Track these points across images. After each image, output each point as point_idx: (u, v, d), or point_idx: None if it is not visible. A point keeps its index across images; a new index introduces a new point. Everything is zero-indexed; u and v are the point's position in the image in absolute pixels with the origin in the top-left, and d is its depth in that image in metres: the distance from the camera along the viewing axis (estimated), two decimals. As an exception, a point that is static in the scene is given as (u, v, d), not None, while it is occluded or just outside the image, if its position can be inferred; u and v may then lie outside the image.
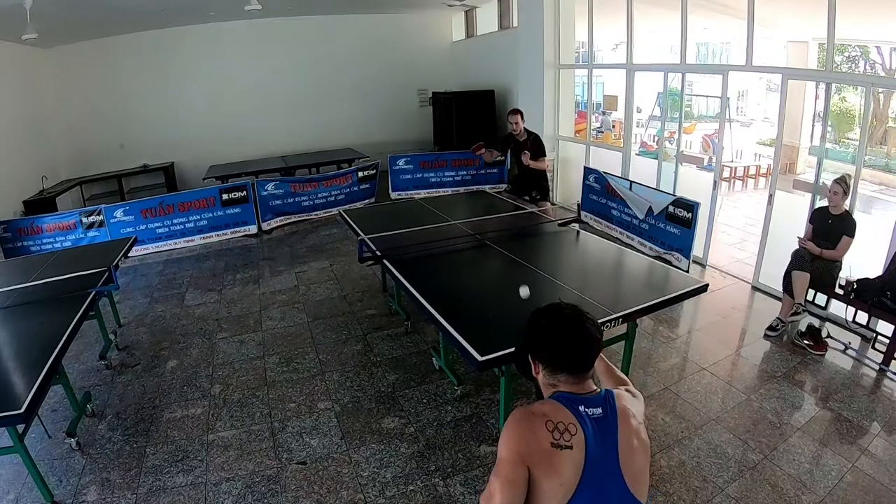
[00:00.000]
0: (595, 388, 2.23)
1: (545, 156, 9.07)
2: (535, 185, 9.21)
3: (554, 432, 2.05)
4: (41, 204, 12.24)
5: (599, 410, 2.14)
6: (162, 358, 7.02)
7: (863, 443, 4.95)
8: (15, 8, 9.03)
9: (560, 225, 7.41)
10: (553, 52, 12.04)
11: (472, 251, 6.67)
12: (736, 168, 16.28)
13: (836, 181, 6.59)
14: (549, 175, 10.08)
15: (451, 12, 17.02)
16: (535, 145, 8.98)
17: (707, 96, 20.46)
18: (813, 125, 15.27)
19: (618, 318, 4.62)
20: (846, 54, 15.28)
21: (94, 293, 6.13)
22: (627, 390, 2.46)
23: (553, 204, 10.56)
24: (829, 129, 11.57)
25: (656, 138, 17.78)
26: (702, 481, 4.52)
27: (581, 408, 2.12)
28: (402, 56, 17.76)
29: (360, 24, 16.95)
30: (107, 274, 6.55)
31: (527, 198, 9.18)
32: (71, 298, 5.97)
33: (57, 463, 5.13)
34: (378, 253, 6.43)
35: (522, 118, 9.06)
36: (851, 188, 6.71)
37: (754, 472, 4.61)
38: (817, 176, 7.60)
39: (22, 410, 3.95)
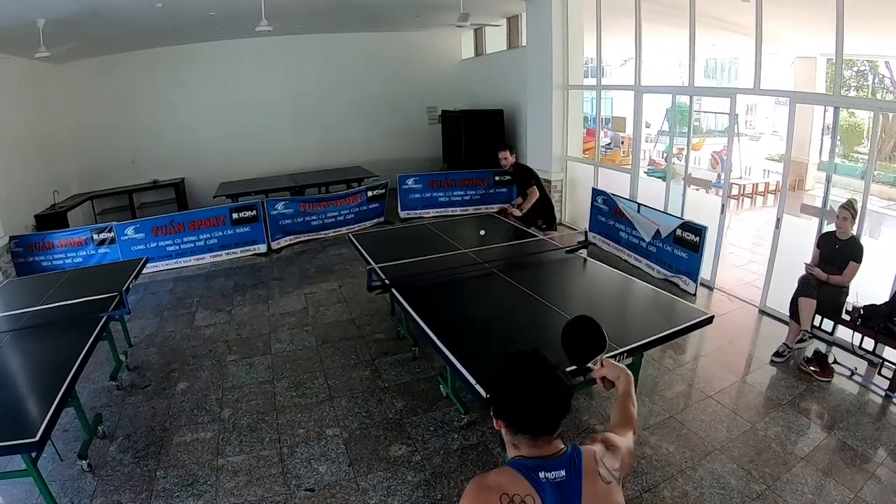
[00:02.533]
0: (560, 447, 2.11)
1: (531, 185, 9.21)
2: (541, 214, 9.30)
3: None
4: (53, 218, 12.34)
5: (563, 473, 2.04)
6: (172, 379, 7.07)
7: (867, 471, 4.95)
8: (28, 27, 9.13)
9: (567, 251, 7.44)
10: (561, 71, 12.07)
11: (479, 280, 6.71)
12: (744, 186, 16.24)
13: (843, 206, 6.58)
14: (556, 193, 10.16)
15: (460, 31, 17.05)
16: (522, 178, 9.34)
17: (716, 113, 20.42)
18: (822, 141, 15.24)
19: (623, 352, 4.66)
20: (854, 69, 15.27)
21: (105, 318, 6.19)
22: (605, 441, 2.26)
23: (558, 228, 10.56)
24: (838, 143, 11.55)
25: (665, 155, 17.80)
26: (705, 513, 4.54)
27: (541, 474, 2.02)
28: (411, 74, 17.84)
29: (370, 42, 17.06)
30: (118, 298, 6.62)
31: (534, 228, 9.26)
32: (82, 322, 6.02)
33: (68, 484, 5.19)
34: (387, 282, 6.48)
35: (512, 153, 9.35)
36: (859, 211, 6.71)
37: (757, 502, 4.61)
38: (825, 197, 7.60)
39: (37, 438, 4.02)
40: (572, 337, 2.65)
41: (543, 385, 2.06)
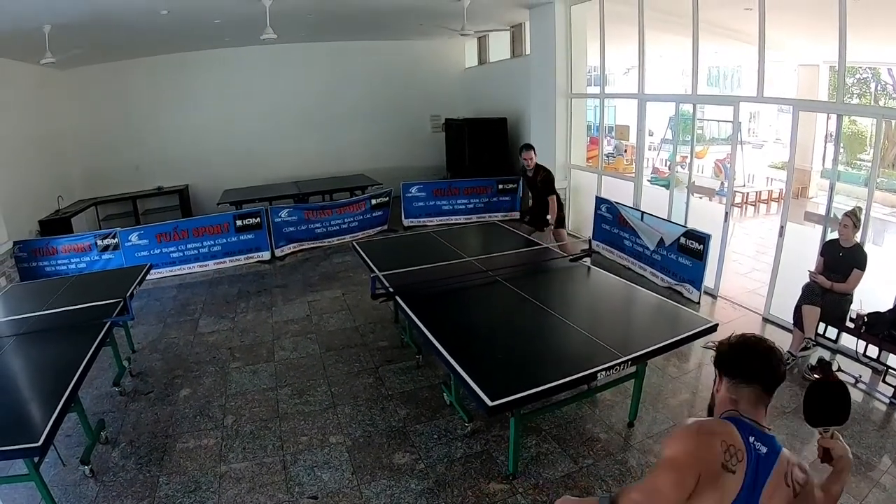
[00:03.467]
0: (768, 426, 2.32)
1: (553, 193, 9.30)
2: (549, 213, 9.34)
3: (726, 453, 2.16)
4: (57, 224, 12.40)
5: (765, 450, 2.21)
6: (175, 386, 7.08)
7: (872, 478, 4.95)
8: (34, 32, 9.16)
9: (571, 260, 7.45)
10: (565, 80, 12.09)
11: (483, 288, 6.72)
12: (748, 194, 16.24)
13: (846, 214, 6.58)
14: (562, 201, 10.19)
15: (463, 39, 17.07)
16: (544, 183, 9.30)
17: (719, 121, 20.42)
18: (825, 148, 15.23)
19: (627, 360, 4.66)
20: (857, 76, 15.26)
21: (109, 323, 6.20)
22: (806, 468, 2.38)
23: (567, 233, 10.60)
24: (841, 151, 11.56)
25: (668, 163, 17.78)
26: (710, 522, 4.53)
27: (751, 439, 2.22)
28: (414, 82, 17.86)
29: (374, 50, 17.07)
30: (122, 304, 6.63)
31: (545, 229, 9.29)
32: (86, 328, 6.03)
33: (70, 490, 5.20)
34: (391, 290, 6.48)
35: (535, 153, 9.37)
36: (863, 219, 6.70)
37: (763, 511, 4.59)
38: (829, 205, 7.59)
39: (40, 443, 4.02)
40: (821, 398, 2.63)
41: (761, 341, 2.39)
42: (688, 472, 2.15)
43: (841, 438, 2.62)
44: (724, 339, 2.46)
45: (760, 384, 2.31)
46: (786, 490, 2.22)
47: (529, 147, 9.45)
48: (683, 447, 2.20)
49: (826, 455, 2.65)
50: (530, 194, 9.95)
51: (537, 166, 9.40)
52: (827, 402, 2.54)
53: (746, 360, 2.33)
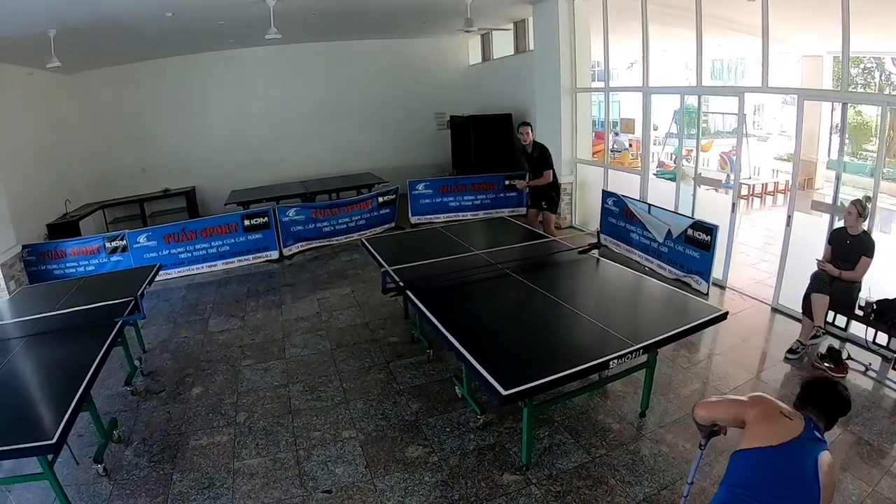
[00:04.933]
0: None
1: (550, 168, 9.53)
2: (545, 197, 9.50)
3: (783, 410, 3.08)
4: (64, 227, 12.42)
5: (818, 437, 2.99)
6: (186, 384, 7.10)
7: (883, 465, 4.95)
8: (39, 37, 9.18)
9: (580, 252, 7.46)
10: (569, 75, 12.10)
11: (492, 281, 6.74)
12: (754, 186, 16.21)
13: (852, 202, 6.57)
14: (565, 195, 10.24)
15: (467, 36, 17.09)
16: (540, 158, 9.58)
17: (723, 114, 20.37)
18: (830, 139, 15.19)
19: (639, 349, 4.67)
20: (861, 66, 15.22)
21: (120, 322, 6.23)
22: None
23: (559, 221, 10.64)
24: (847, 142, 11.52)
25: (674, 157, 17.75)
26: (723, 508, 4.54)
27: (812, 426, 3.02)
28: (419, 80, 17.87)
29: (378, 48, 17.09)
30: (133, 303, 6.66)
31: (534, 211, 9.40)
32: (98, 327, 6.05)
33: (84, 489, 5.22)
34: (401, 284, 6.51)
35: (532, 130, 9.66)
36: (869, 208, 6.69)
37: (775, 498, 4.60)
38: (835, 195, 7.58)
39: (54, 441, 4.04)
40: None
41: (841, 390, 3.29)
42: (747, 402, 3.22)
43: None
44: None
45: (828, 418, 3.17)
46: (817, 480, 2.83)
47: (526, 123, 9.73)
48: (758, 397, 3.23)
49: None
50: (529, 176, 10.10)
51: (534, 143, 9.68)
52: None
53: (825, 404, 3.18)
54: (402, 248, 8.49)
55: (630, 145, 20.26)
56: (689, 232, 8.97)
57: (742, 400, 3.23)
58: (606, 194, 11.14)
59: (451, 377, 6.66)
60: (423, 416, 6.06)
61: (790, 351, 6.83)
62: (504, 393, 4.06)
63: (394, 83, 17.58)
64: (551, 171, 9.56)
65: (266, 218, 11.75)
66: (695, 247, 8.91)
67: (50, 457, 4.45)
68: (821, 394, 3.20)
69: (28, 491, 5.17)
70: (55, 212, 12.91)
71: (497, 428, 5.74)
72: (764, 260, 10.35)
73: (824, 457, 2.86)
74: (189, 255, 11.40)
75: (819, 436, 2.98)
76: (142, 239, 11.06)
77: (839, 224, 7.13)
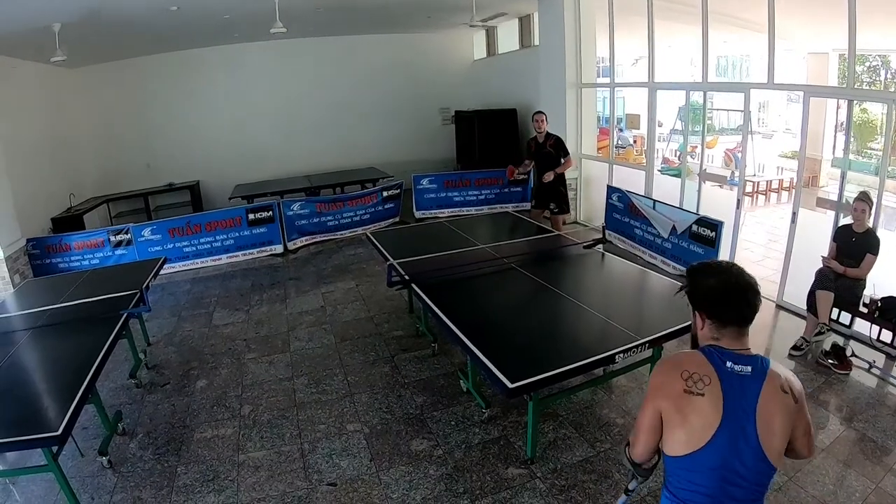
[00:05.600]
0: (750, 348, 2.38)
1: (569, 154, 9.54)
2: (554, 195, 9.43)
3: (688, 381, 2.30)
4: (69, 221, 12.46)
5: (748, 368, 2.30)
6: (191, 377, 7.12)
7: (887, 462, 4.94)
8: (44, 31, 9.20)
9: (585, 247, 7.47)
10: (574, 70, 12.09)
11: (498, 275, 6.75)
12: (758, 183, 16.21)
13: (858, 198, 6.56)
14: (570, 191, 10.24)
15: (472, 31, 17.07)
16: (557, 146, 9.52)
17: (728, 110, 20.38)
18: (835, 137, 15.20)
19: (644, 343, 4.68)
20: (867, 64, 15.22)
21: (125, 315, 6.24)
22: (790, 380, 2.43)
23: (567, 218, 10.61)
24: (852, 139, 11.48)
25: (678, 153, 17.75)
26: None
27: (728, 364, 2.31)
28: (423, 75, 17.86)
29: (382, 43, 17.09)
30: (138, 296, 6.67)
31: (547, 213, 9.33)
32: (103, 320, 6.08)
33: (88, 481, 5.23)
34: (406, 277, 6.52)
35: (546, 119, 9.60)
36: (875, 204, 6.69)
37: (779, 493, 4.60)
38: (841, 192, 7.56)
39: (59, 433, 4.05)
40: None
41: (742, 279, 2.36)
42: (649, 405, 2.41)
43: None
44: (698, 274, 2.49)
45: (739, 325, 2.35)
46: (783, 397, 2.30)
47: (541, 112, 9.69)
48: (651, 384, 2.46)
49: None
50: (537, 176, 10.00)
51: (548, 133, 9.62)
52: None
53: (726, 306, 2.36)
54: (407, 242, 8.52)
55: (634, 141, 20.29)
56: (694, 228, 8.95)
57: (646, 408, 2.44)
58: (611, 190, 11.14)
59: (456, 371, 6.66)
60: (428, 409, 6.07)
61: (794, 347, 6.81)
62: (510, 386, 4.08)
63: (399, 78, 17.57)
64: (570, 157, 9.56)
65: (270, 212, 11.77)
66: (699, 243, 8.89)
67: (55, 449, 4.44)
68: (710, 299, 2.41)
69: (32, 483, 5.19)
70: (60, 205, 12.94)
71: (502, 422, 5.74)
72: (768, 257, 10.34)
73: (764, 398, 2.27)
74: (193, 248, 11.41)
75: (737, 366, 2.30)
76: (146, 233, 11.07)
77: (844, 221, 7.12)
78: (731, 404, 2.24)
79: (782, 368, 2.39)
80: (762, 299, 2.38)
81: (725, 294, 2.35)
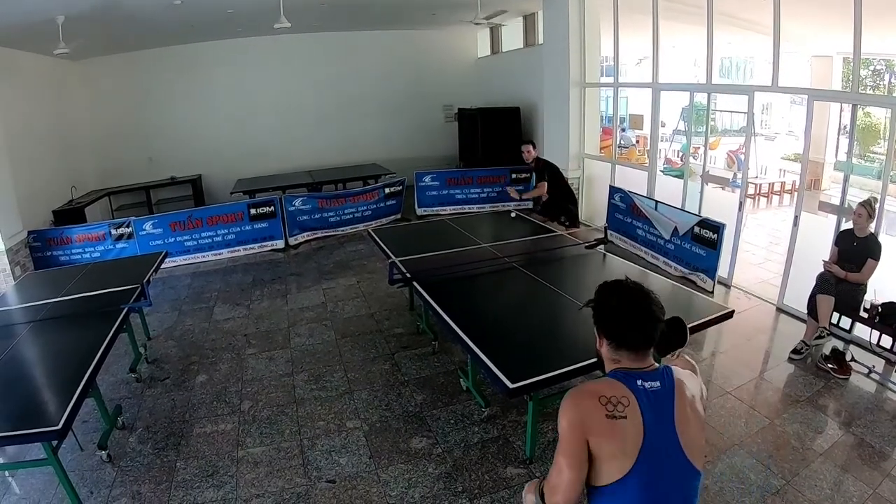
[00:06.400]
0: (654, 364, 2.37)
1: (543, 179, 9.51)
2: (563, 210, 9.47)
3: (607, 405, 2.22)
4: (70, 214, 12.46)
5: (657, 384, 2.29)
6: (191, 372, 7.14)
7: (885, 468, 4.94)
8: (47, 23, 9.20)
9: (587, 247, 7.47)
10: (578, 69, 12.07)
11: (499, 274, 6.76)
12: (760, 185, 16.19)
13: (861, 204, 6.55)
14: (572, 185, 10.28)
15: (476, 29, 17.02)
16: (537, 173, 9.70)
17: (731, 111, 20.36)
18: (838, 140, 15.17)
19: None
20: (871, 68, 15.19)
21: (126, 309, 6.24)
22: (690, 369, 2.59)
23: (581, 225, 10.64)
24: (855, 144, 11.47)
25: (681, 154, 17.73)
26: (725, 507, 4.55)
27: (638, 382, 2.28)
28: (427, 72, 17.86)
29: (386, 40, 17.10)
30: (139, 290, 6.67)
31: (556, 223, 9.34)
32: (103, 314, 6.09)
33: (88, 475, 5.24)
34: (408, 275, 6.52)
35: (534, 147, 9.72)
36: (877, 210, 6.69)
37: (776, 497, 4.61)
38: (843, 196, 7.55)
39: (59, 427, 4.06)
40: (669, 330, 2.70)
41: (642, 303, 2.33)
42: (573, 440, 2.22)
43: (686, 357, 2.87)
44: (603, 292, 2.45)
45: (638, 349, 2.34)
46: (692, 401, 2.34)
47: (527, 142, 9.81)
48: (565, 420, 2.27)
49: None
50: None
51: (537, 159, 9.66)
52: (672, 332, 2.69)
53: (625, 329, 2.34)
54: (409, 240, 8.52)
55: (637, 141, 20.24)
56: (696, 230, 8.96)
57: (570, 445, 2.24)
58: (613, 190, 11.14)
59: (457, 369, 6.68)
60: (428, 407, 6.08)
61: (794, 351, 6.82)
62: (511, 386, 4.08)
63: (402, 75, 17.58)
64: (545, 183, 9.50)
65: (272, 207, 11.78)
66: (701, 244, 8.90)
67: (55, 443, 4.45)
68: (608, 320, 2.39)
69: (31, 476, 5.20)
70: (61, 198, 12.94)
71: (501, 421, 5.75)
72: (769, 259, 10.34)
73: (678, 408, 2.28)
74: (195, 243, 11.44)
75: (647, 383, 2.29)
76: (147, 226, 11.11)
77: (846, 225, 7.10)
78: (651, 422, 2.23)
79: (683, 373, 2.43)
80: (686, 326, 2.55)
81: (622, 318, 2.34)
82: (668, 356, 2.84)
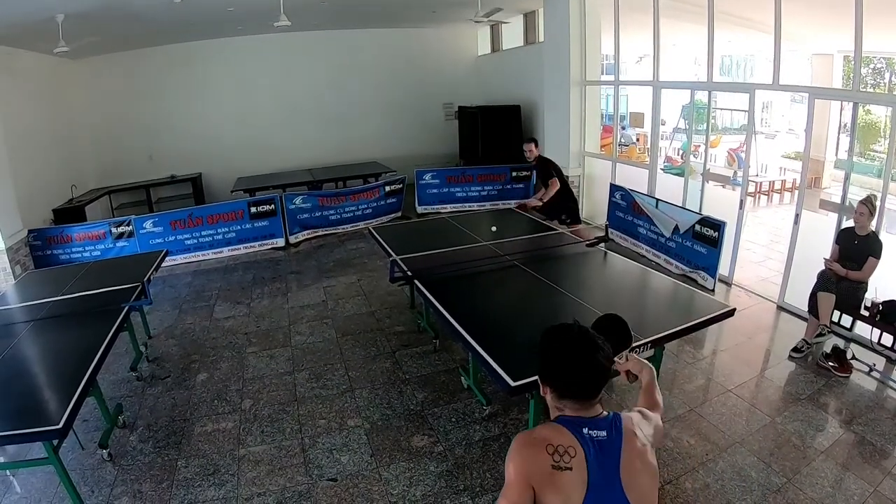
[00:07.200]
0: (602, 411, 2.29)
1: (552, 176, 9.33)
2: (564, 209, 9.39)
3: (554, 455, 2.13)
4: (70, 212, 12.46)
5: (604, 433, 2.21)
6: (192, 371, 7.13)
7: (886, 466, 4.94)
8: (47, 22, 9.19)
9: (588, 245, 7.46)
10: (579, 67, 12.06)
11: (501, 272, 6.73)
12: (761, 183, 16.18)
13: (861, 202, 6.55)
14: (573, 189, 10.21)
15: (476, 27, 17.06)
16: (543, 170, 9.50)
17: (732, 110, 20.35)
18: (838, 138, 15.17)
19: (646, 343, 4.68)
20: (871, 66, 15.19)
21: (127, 308, 6.24)
22: (641, 412, 2.51)
23: (583, 223, 10.58)
24: (856, 142, 11.47)
25: (681, 153, 17.73)
26: (726, 504, 4.56)
27: (585, 430, 2.20)
28: (427, 70, 17.87)
29: (387, 38, 17.10)
30: (140, 289, 6.67)
31: (556, 222, 9.29)
32: (104, 312, 6.08)
33: (88, 473, 5.24)
34: (409, 273, 6.52)
35: (536, 146, 9.54)
36: (878, 207, 6.68)
37: (777, 495, 4.61)
38: (844, 195, 7.55)
39: (60, 426, 4.05)
40: (602, 333, 2.62)
41: (587, 353, 2.24)
42: (518, 487, 2.13)
43: (635, 356, 2.94)
44: (547, 338, 2.37)
45: (577, 399, 2.27)
46: (642, 450, 2.27)
47: (529, 139, 9.66)
48: (512, 466, 2.19)
49: (630, 375, 2.98)
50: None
51: (539, 158, 9.55)
52: (607, 333, 2.51)
53: (570, 380, 2.26)
54: (410, 238, 8.48)
55: (637, 139, 20.25)
56: (697, 228, 8.97)
57: (514, 492, 2.15)
58: (614, 188, 11.15)
59: (458, 367, 6.68)
60: (429, 405, 6.08)
61: (795, 349, 6.82)
62: (513, 384, 4.07)
63: (402, 73, 17.59)
64: (556, 179, 9.42)
65: (272, 205, 11.80)
66: (702, 243, 8.91)
67: (55, 442, 4.45)
68: (550, 368, 2.34)
69: (32, 475, 5.20)
70: (61, 197, 12.95)
71: (502, 419, 5.76)
72: (770, 258, 10.33)
73: (625, 458, 2.22)
74: (195, 241, 11.45)
75: (593, 432, 2.22)
76: (148, 225, 11.11)
77: (847, 224, 7.10)
78: (596, 473, 2.14)
79: (633, 417, 2.39)
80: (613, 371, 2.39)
81: (567, 368, 2.27)
82: (617, 359, 2.80)
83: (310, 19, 13.57)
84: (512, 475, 2.16)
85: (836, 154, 14.98)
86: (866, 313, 6.67)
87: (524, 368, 4.19)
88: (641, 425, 2.37)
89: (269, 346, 7.70)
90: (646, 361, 2.83)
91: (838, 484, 4.73)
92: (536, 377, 2.42)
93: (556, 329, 2.38)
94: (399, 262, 6.78)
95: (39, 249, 10.55)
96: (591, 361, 2.23)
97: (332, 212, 12.53)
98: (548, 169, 9.41)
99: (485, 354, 4.50)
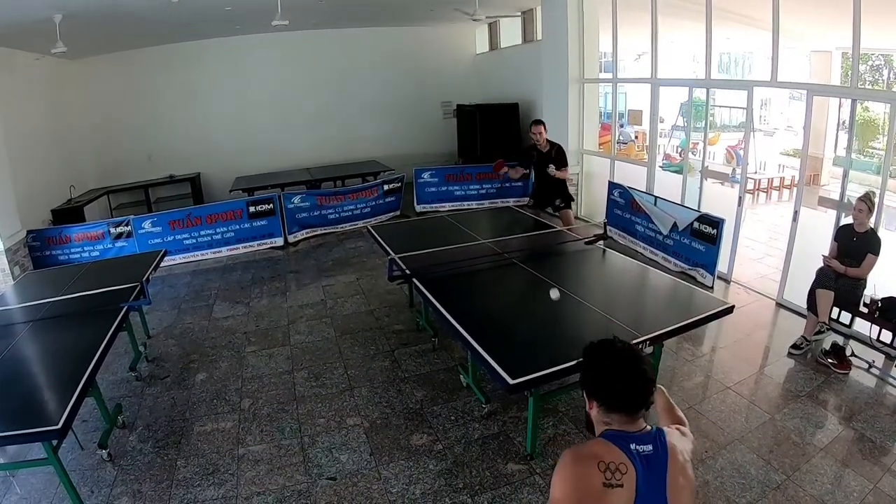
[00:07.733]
0: (646, 425, 2.30)
1: (567, 166, 9.20)
2: (559, 193, 9.30)
3: (606, 472, 2.11)
4: (69, 213, 12.46)
5: (650, 448, 2.21)
6: (191, 370, 7.13)
7: (885, 463, 4.94)
8: (45, 22, 9.18)
9: (586, 243, 7.46)
10: (577, 65, 12.06)
11: (499, 270, 6.74)
12: (759, 180, 16.18)
13: (860, 198, 6.54)
14: (572, 187, 10.17)
15: (474, 25, 17.04)
16: (559, 156, 9.13)
17: (730, 107, 20.34)
18: (837, 135, 15.16)
19: (645, 340, 4.67)
20: (869, 63, 15.18)
21: (126, 308, 6.24)
22: (678, 429, 2.52)
23: (576, 218, 10.54)
24: (854, 139, 11.45)
25: (680, 150, 17.72)
26: (725, 501, 4.55)
27: (633, 446, 2.20)
28: (425, 68, 17.85)
29: (385, 37, 17.09)
30: (139, 288, 6.66)
31: (549, 210, 9.25)
32: (103, 312, 6.07)
33: (88, 474, 5.23)
34: (408, 272, 6.51)
35: (545, 129, 9.19)
36: (877, 204, 6.68)
37: (777, 492, 4.61)
38: (843, 192, 7.56)
39: (59, 426, 4.05)
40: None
41: (633, 365, 2.28)
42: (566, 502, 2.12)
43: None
44: (592, 354, 2.41)
45: (625, 412, 2.27)
46: (684, 466, 2.29)
47: (539, 122, 9.25)
48: (561, 483, 2.17)
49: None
50: (538, 177, 9.76)
51: (549, 142, 9.24)
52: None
53: (620, 393, 2.27)
54: (408, 236, 8.46)
55: (636, 137, 20.23)
56: (695, 225, 8.96)
57: None
58: (613, 185, 11.14)
59: (457, 366, 6.68)
60: (428, 404, 6.08)
61: (794, 346, 6.82)
62: (511, 382, 4.07)
63: (400, 71, 17.57)
64: (567, 170, 9.28)
65: (271, 205, 11.77)
66: (701, 240, 8.90)
67: (55, 442, 4.46)
68: (598, 384, 2.34)
69: (32, 476, 5.20)
70: (60, 197, 12.95)
71: (501, 417, 5.75)
72: (769, 255, 10.33)
73: (671, 473, 2.25)
74: (194, 241, 11.43)
75: (640, 447, 2.23)
76: (146, 225, 11.09)
77: (846, 220, 7.11)
78: (644, 490, 2.14)
79: (674, 434, 2.39)
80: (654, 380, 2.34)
81: (616, 381, 2.27)
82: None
83: (307, 18, 13.57)
84: (560, 492, 2.15)
85: (835, 151, 14.97)
86: (865, 310, 6.67)
87: (522, 366, 4.20)
88: (680, 441, 2.38)
89: (268, 345, 7.70)
90: (660, 387, 2.76)
91: (838, 481, 4.73)
92: (583, 391, 2.42)
93: (599, 344, 2.42)
94: (398, 260, 6.77)
95: (38, 250, 10.54)
96: (638, 372, 2.26)
97: (330, 211, 12.52)
98: (563, 157, 9.19)
99: (483, 353, 4.51)
